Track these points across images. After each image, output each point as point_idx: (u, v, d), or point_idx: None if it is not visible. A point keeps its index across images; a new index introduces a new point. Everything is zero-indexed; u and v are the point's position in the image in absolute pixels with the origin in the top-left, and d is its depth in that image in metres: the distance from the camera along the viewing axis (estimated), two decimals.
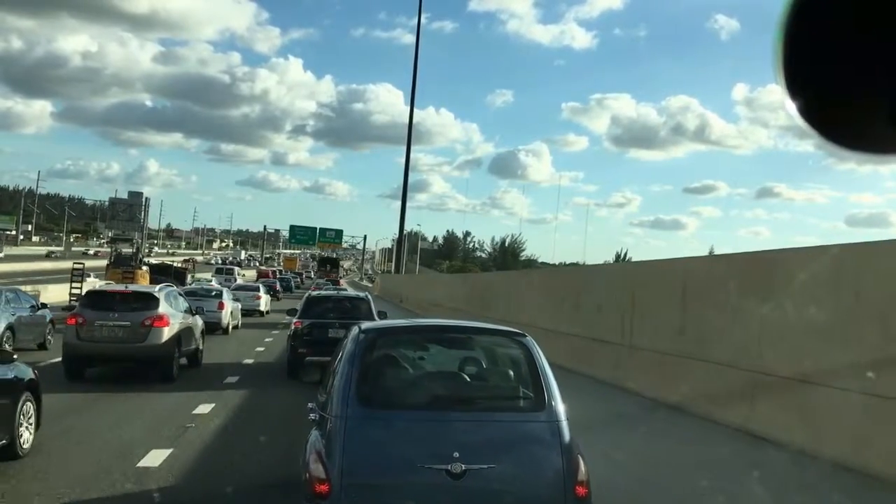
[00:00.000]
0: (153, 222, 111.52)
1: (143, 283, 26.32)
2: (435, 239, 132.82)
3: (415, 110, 59.46)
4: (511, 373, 4.89)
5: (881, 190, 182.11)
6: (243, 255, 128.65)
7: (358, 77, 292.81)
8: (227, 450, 7.87)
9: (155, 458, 7.12)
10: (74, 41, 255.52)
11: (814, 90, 1.12)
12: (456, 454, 3.98)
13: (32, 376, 7.45)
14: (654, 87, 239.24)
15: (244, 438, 8.48)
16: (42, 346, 16.39)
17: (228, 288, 28.14)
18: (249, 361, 15.89)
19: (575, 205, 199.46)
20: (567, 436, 4.24)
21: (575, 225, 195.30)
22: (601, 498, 4.47)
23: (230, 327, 23.00)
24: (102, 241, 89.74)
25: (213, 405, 10.16)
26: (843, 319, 7.41)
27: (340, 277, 78.59)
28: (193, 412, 9.58)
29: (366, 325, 5.12)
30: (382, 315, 14.24)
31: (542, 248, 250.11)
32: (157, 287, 14.23)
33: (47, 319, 17.08)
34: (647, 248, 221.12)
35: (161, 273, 32.05)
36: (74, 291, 27.05)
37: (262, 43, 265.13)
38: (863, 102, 1.10)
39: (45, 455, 7.18)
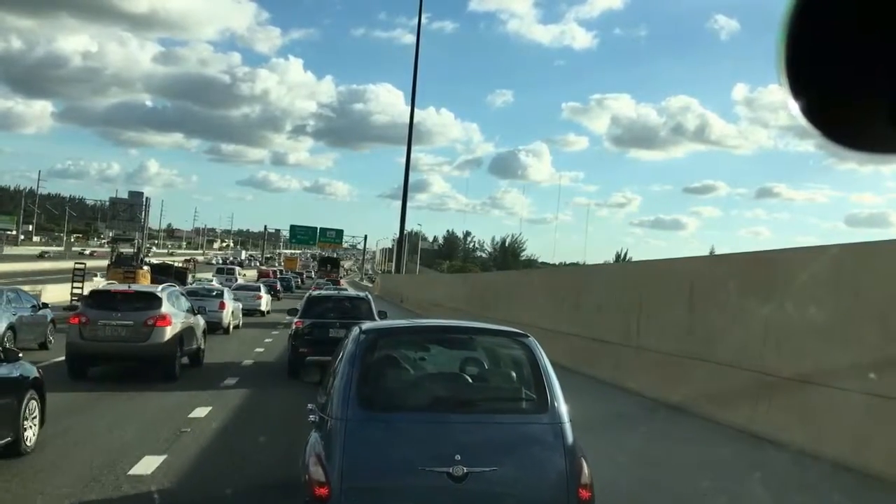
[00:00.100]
0: (154, 222, 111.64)
1: (144, 283, 26.34)
2: (435, 239, 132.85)
3: (415, 110, 59.51)
4: (513, 374, 4.85)
5: (882, 190, 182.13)
6: (244, 255, 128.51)
7: (358, 77, 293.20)
8: (224, 453, 7.79)
9: (148, 464, 6.89)
10: (74, 41, 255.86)
11: (816, 90, 1.12)
12: (457, 457, 3.93)
13: (37, 375, 7.56)
14: (654, 88, 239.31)
15: (243, 441, 8.40)
16: (43, 346, 16.40)
17: (229, 288, 28.15)
18: (249, 362, 15.89)
19: (575, 205, 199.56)
20: (570, 437, 4.19)
21: (575, 225, 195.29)
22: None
23: (231, 327, 23.04)
24: (103, 241, 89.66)
25: (213, 406, 10.13)
26: (855, 319, 7.33)
27: (341, 277, 78.62)
28: (191, 415, 9.47)
29: (366, 325, 5.08)
30: (382, 315, 14.30)
31: (543, 248, 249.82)
32: (160, 287, 14.28)
33: (48, 319, 17.11)
34: (648, 247, 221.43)
35: (162, 273, 32.09)
36: (76, 291, 27.10)
37: (262, 43, 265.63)
38: (865, 103, 1.10)
39: (42, 456, 7.15)
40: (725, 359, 9.29)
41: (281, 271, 71.98)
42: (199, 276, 43.52)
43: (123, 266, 31.55)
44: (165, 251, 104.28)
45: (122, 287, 16.71)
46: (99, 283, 26.88)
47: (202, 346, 14.87)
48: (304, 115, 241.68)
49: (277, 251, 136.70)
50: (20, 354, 7.46)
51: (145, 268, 32.13)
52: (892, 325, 6.78)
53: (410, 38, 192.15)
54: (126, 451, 7.42)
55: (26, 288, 20.73)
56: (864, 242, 8.00)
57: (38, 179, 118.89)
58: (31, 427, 7.26)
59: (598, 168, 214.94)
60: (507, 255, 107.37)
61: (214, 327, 19.99)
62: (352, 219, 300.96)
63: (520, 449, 4.23)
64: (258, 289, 33.62)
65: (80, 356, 12.42)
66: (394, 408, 4.44)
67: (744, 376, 8.76)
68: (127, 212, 46.46)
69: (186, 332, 13.55)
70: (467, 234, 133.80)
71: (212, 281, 36.23)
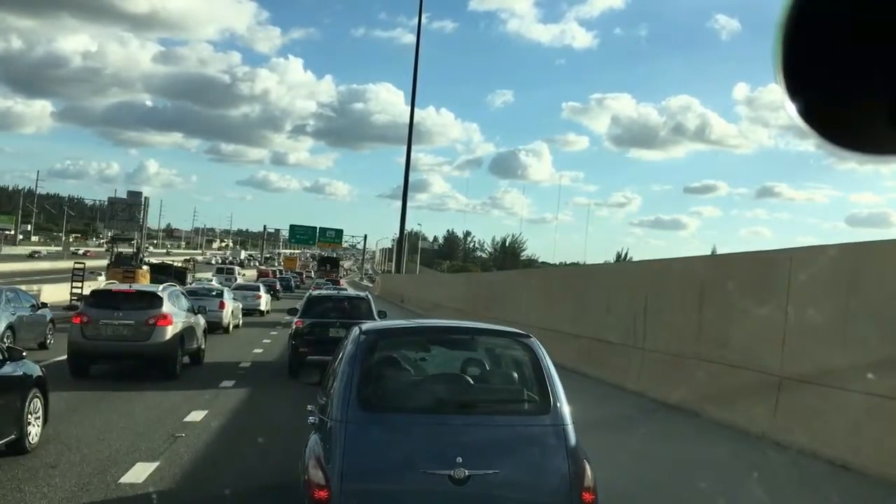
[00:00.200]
0: (153, 222, 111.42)
1: (143, 283, 26.35)
2: (435, 239, 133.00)
3: (415, 110, 59.51)
4: (515, 375, 4.79)
5: (881, 189, 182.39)
6: (243, 254, 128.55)
7: (358, 77, 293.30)
8: (222, 456, 7.71)
9: (139, 473, 6.65)
10: (74, 41, 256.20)
11: (814, 91, 1.11)
12: (459, 459, 3.87)
13: (40, 373, 7.69)
14: (654, 87, 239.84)
15: (240, 445, 8.31)
16: (42, 346, 16.40)
17: (229, 287, 28.17)
18: (248, 363, 15.85)
19: (575, 205, 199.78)
20: (573, 439, 4.14)
21: (575, 225, 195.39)
22: None
23: (231, 326, 23.09)
24: (102, 241, 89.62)
25: (209, 409, 10.02)
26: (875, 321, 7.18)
27: (341, 277, 78.59)
28: (187, 418, 9.24)
29: (366, 325, 5.01)
30: (382, 315, 14.36)
31: (543, 248, 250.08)
32: (161, 286, 14.33)
33: (47, 319, 17.12)
34: (648, 247, 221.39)
35: (161, 273, 32.06)
36: (75, 291, 27.10)
37: (262, 43, 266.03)
38: (863, 103, 1.10)
39: (36, 459, 7.03)
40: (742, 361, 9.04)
41: (280, 271, 71.98)
42: (198, 275, 43.53)
43: (123, 266, 31.56)
44: (164, 251, 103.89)
45: (124, 287, 16.80)
46: (102, 282, 26.90)
47: (202, 346, 14.97)
48: (304, 115, 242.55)
49: (277, 251, 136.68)
50: (24, 353, 7.56)
51: (145, 268, 32.13)
52: None
53: (410, 38, 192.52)
54: (117, 458, 7.16)
55: (23, 288, 20.74)
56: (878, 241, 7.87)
57: (37, 179, 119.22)
58: (34, 425, 7.37)
59: (598, 168, 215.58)
60: (508, 255, 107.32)
61: (214, 327, 20.01)
62: (352, 219, 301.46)
63: (522, 451, 4.17)
64: (258, 288, 33.67)
65: (82, 355, 12.55)
66: (394, 409, 4.38)
67: (756, 378, 8.61)
68: (126, 212, 46.54)
69: (187, 332, 13.66)
70: (467, 234, 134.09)
71: (211, 281, 36.26)
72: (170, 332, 12.70)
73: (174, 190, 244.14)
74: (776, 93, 1.10)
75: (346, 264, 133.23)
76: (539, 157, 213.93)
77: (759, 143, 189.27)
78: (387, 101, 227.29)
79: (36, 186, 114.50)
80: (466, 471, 3.85)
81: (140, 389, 11.55)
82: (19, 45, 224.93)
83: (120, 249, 38.10)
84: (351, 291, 22.21)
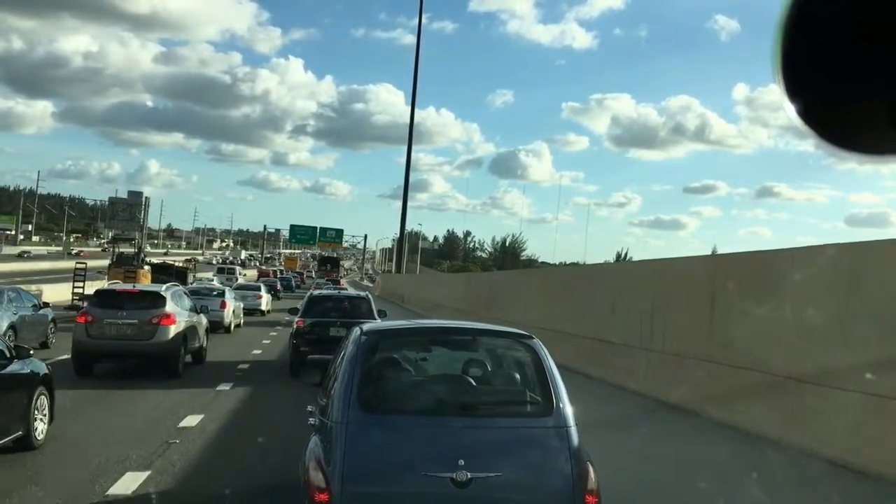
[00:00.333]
0: (153, 222, 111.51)
1: (144, 283, 26.39)
2: (435, 239, 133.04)
3: (415, 110, 59.51)
4: (517, 376, 4.75)
5: (881, 189, 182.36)
6: (243, 254, 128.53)
7: (358, 77, 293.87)
8: (221, 457, 7.70)
9: (129, 483, 6.36)
10: (75, 41, 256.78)
11: (813, 92, 1.11)
12: (461, 461, 3.82)
13: (46, 371, 7.83)
14: (654, 87, 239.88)
15: (240, 449, 8.27)
16: (44, 345, 16.43)
17: (230, 287, 28.21)
18: (246, 365, 15.87)
19: (575, 205, 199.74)
20: (576, 441, 4.10)
21: (575, 225, 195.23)
22: None
23: (232, 326, 23.13)
24: (103, 241, 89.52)
25: (210, 410, 10.02)
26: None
27: (341, 277, 78.64)
28: (186, 421, 9.08)
29: (367, 326, 4.95)
30: (382, 314, 14.45)
31: (543, 248, 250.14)
32: (164, 286, 14.44)
33: (49, 318, 17.18)
34: (648, 247, 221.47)
35: (163, 273, 32.09)
36: (77, 291, 27.14)
37: (262, 43, 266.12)
38: (862, 104, 1.09)
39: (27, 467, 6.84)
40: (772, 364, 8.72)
41: (281, 271, 72.00)
42: (199, 275, 43.54)
43: (124, 266, 31.61)
44: (162, 251, 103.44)
45: (128, 286, 16.92)
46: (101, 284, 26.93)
47: (204, 345, 15.11)
48: (305, 115, 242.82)
49: (277, 251, 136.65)
50: (31, 351, 7.73)
51: (146, 267, 32.16)
52: None
53: (411, 39, 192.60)
54: (107, 467, 6.83)
55: (25, 288, 20.77)
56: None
57: (38, 179, 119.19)
58: (41, 421, 7.49)
59: (598, 168, 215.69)
60: (508, 255, 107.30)
61: (216, 326, 20.03)
62: (352, 219, 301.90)
63: (524, 453, 4.13)
64: (258, 288, 33.70)
65: (87, 354, 12.71)
66: (395, 411, 4.34)
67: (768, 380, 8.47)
68: (126, 212, 46.42)
69: (189, 331, 13.82)
70: (467, 233, 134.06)
71: (212, 280, 36.29)
72: (173, 331, 12.87)
73: (175, 190, 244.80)
74: (776, 93, 1.10)
75: (347, 264, 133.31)
76: (539, 157, 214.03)
77: (759, 143, 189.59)
78: (387, 101, 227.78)
79: (37, 186, 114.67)
80: (468, 473, 3.81)
81: (142, 388, 11.59)
82: (20, 46, 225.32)
83: (121, 249, 38.13)
84: (351, 291, 22.20)
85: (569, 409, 4.19)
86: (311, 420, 4.67)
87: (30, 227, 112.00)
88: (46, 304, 17.85)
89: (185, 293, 15.52)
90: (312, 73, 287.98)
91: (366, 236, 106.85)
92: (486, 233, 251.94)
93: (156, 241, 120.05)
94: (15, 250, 79.97)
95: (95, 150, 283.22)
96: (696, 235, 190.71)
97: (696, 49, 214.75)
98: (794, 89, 1.10)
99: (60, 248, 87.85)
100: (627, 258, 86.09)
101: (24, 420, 7.09)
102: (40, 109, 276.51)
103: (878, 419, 6.83)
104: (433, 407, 4.40)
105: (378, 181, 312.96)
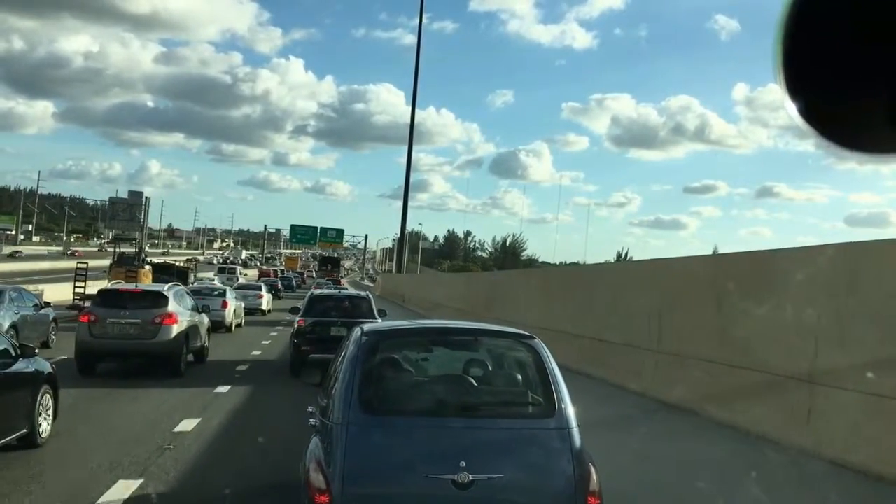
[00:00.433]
0: (154, 222, 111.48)
1: (145, 283, 26.41)
2: (436, 239, 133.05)
3: (416, 110, 59.50)
4: (519, 377, 4.72)
5: (881, 189, 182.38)
6: (244, 254, 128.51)
7: (359, 77, 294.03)
8: (222, 457, 7.69)
9: (130, 482, 6.32)
10: (76, 42, 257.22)
11: (814, 90, 1.11)
12: (462, 463, 3.80)
13: (51, 370, 7.91)
14: (654, 87, 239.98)
15: (242, 444, 8.30)
16: (45, 345, 16.42)
17: (231, 287, 28.22)
18: (248, 364, 15.89)
19: (575, 205, 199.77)
20: (578, 443, 4.07)
21: (575, 225, 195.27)
22: None
23: (233, 325, 23.15)
24: (103, 241, 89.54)
25: (209, 410, 10.01)
26: None
27: (342, 277, 78.64)
28: (187, 420, 9.04)
29: (368, 326, 4.91)
30: (382, 313, 14.47)
31: (543, 247, 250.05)
32: (166, 286, 14.52)
33: (50, 318, 17.21)
34: (648, 247, 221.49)
35: (164, 272, 32.07)
36: (78, 290, 27.15)
37: (263, 43, 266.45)
38: (863, 103, 1.09)
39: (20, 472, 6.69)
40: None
41: (282, 271, 72.01)
42: (200, 275, 43.51)
43: (125, 266, 31.61)
44: (160, 251, 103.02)
45: (130, 286, 16.98)
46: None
47: (206, 344, 15.20)
48: (305, 116, 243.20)
49: (278, 251, 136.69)
50: (36, 350, 7.80)
51: (147, 267, 32.15)
52: None
53: (411, 39, 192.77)
54: (99, 475, 6.61)
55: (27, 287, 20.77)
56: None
57: (38, 179, 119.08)
58: (45, 419, 7.58)
59: (598, 168, 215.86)
60: (508, 255, 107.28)
61: (217, 326, 20.03)
62: (352, 219, 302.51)
63: (526, 454, 4.10)
64: (259, 288, 33.70)
65: (90, 353, 12.83)
66: (396, 411, 4.32)
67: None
68: (126, 212, 46.39)
69: (192, 330, 13.93)
70: (468, 233, 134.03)
71: (213, 280, 36.29)
72: (175, 330, 12.99)
73: (175, 190, 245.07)
74: (776, 93, 1.10)
75: (347, 264, 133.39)
76: (539, 158, 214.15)
77: (759, 143, 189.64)
78: (387, 101, 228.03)
79: (37, 186, 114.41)
80: (470, 475, 3.79)
81: (145, 387, 11.63)
82: (21, 46, 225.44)
83: (122, 249, 38.13)
84: (352, 291, 22.19)
85: (571, 410, 4.17)
86: (312, 421, 4.66)
87: (30, 228, 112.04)
88: (47, 304, 17.86)
89: (188, 293, 15.59)
90: (313, 74, 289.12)
91: (366, 236, 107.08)
92: (486, 233, 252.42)
93: (156, 241, 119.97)
94: (11, 250, 79.91)
95: (96, 150, 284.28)
96: (696, 235, 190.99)
97: (696, 49, 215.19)
98: (795, 88, 1.11)
99: (61, 248, 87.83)
100: (628, 258, 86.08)
101: (28, 418, 7.19)
102: (41, 110, 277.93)
103: (877, 419, 6.84)
104: (434, 408, 4.38)
105: (378, 181, 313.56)
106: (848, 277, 7.73)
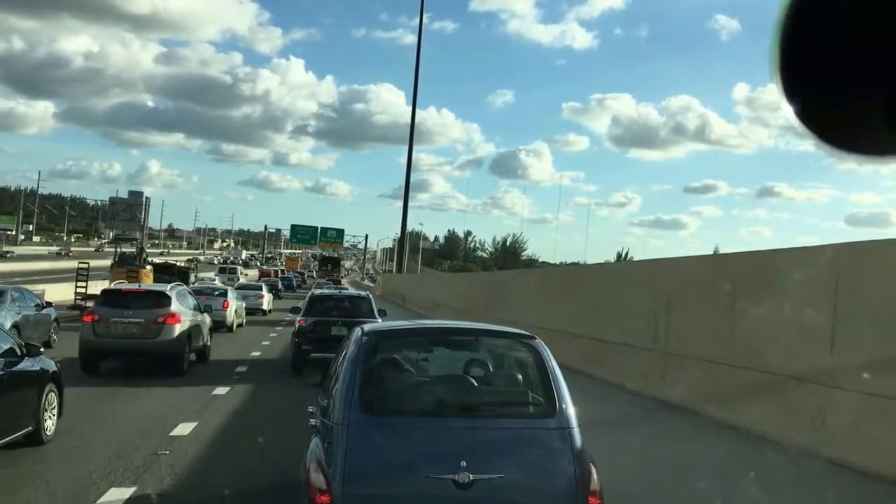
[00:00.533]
0: (154, 222, 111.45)
1: (146, 283, 26.44)
2: (436, 238, 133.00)
3: (416, 110, 59.51)
4: (519, 377, 4.72)
5: (881, 189, 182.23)
6: (244, 254, 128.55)
7: (359, 77, 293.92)
8: (222, 456, 7.69)
9: (133, 480, 6.33)
10: (76, 42, 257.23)
11: (811, 92, 1.11)
12: (463, 463, 3.80)
13: (55, 368, 8.03)
14: (654, 87, 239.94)
15: (242, 444, 8.31)
16: (47, 345, 16.42)
17: (232, 287, 28.24)
18: (249, 364, 15.90)
19: (576, 205, 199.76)
20: (579, 443, 4.08)
21: (576, 225, 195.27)
22: None
23: (235, 325, 23.18)
24: (103, 241, 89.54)
25: (216, 405, 10.11)
26: None
27: (342, 277, 78.64)
28: (188, 420, 9.04)
29: (368, 326, 4.91)
30: (382, 313, 14.50)
31: (544, 247, 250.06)
32: (169, 286, 14.60)
33: (52, 318, 17.26)
34: (648, 247, 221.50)
35: (165, 272, 32.09)
36: (80, 290, 27.18)
37: (263, 43, 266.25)
38: (860, 104, 1.09)
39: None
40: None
41: (282, 271, 72.03)
42: (201, 275, 43.57)
43: (126, 266, 31.63)
44: (159, 251, 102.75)
45: (133, 286, 17.06)
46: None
47: (208, 343, 15.30)
48: (306, 116, 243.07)
49: (278, 251, 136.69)
50: (41, 349, 7.88)
51: (148, 267, 32.17)
52: None
53: (411, 39, 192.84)
54: (102, 473, 6.59)
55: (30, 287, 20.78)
56: None
57: (38, 179, 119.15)
58: (50, 417, 7.67)
59: (598, 168, 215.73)
60: (508, 255, 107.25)
61: (219, 325, 20.04)
62: (353, 219, 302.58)
63: (527, 455, 4.10)
64: (260, 288, 33.69)
65: (93, 352, 12.97)
66: (397, 412, 4.32)
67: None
68: (127, 212, 46.35)
69: (194, 330, 14.06)
70: (468, 233, 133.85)
71: (214, 280, 36.30)
72: (178, 330, 13.10)
73: (176, 190, 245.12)
74: (775, 93, 1.10)
75: (348, 264, 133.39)
76: (539, 157, 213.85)
77: (759, 143, 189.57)
78: (388, 101, 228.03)
79: (38, 187, 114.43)
80: (471, 475, 3.79)
81: (147, 386, 11.66)
82: (21, 46, 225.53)
83: (123, 249, 38.15)
84: (352, 291, 22.22)
85: (571, 410, 4.17)
86: (312, 421, 4.66)
87: (31, 228, 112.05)
88: (49, 304, 17.90)
89: (190, 293, 15.66)
90: (313, 74, 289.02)
91: (367, 236, 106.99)
92: (486, 233, 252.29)
93: (157, 241, 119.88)
94: (16, 250, 79.88)
95: (96, 150, 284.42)
96: (696, 235, 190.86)
97: (697, 49, 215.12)
98: (793, 90, 1.11)
99: (59, 249, 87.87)
100: (628, 258, 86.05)
101: (34, 416, 7.30)
102: (41, 110, 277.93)
103: (877, 419, 6.86)
104: (435, 408, 4.38)
105: (379, 181, 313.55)
106: (848, 277, 7.73)
